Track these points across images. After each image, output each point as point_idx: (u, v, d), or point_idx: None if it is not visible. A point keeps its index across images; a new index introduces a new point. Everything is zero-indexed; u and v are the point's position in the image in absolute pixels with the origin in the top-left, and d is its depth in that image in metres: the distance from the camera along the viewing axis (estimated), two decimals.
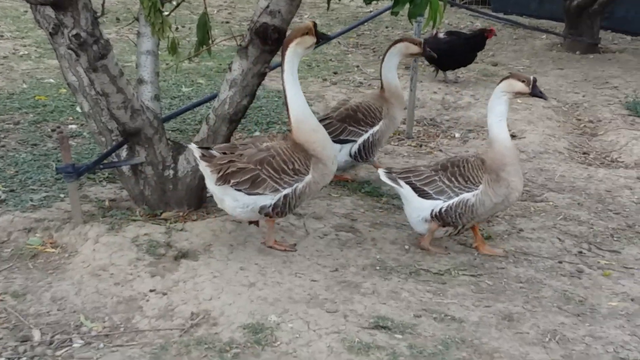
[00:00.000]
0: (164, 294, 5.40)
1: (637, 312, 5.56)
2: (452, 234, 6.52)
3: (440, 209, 6.17)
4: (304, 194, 5.96)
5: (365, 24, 14.02)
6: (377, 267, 5.94)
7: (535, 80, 6.18)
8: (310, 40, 5.94)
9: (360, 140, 7.42)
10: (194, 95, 9.51)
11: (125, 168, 6.47)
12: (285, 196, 5.87)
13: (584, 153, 9.03)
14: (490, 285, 5.85)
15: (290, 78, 5.92)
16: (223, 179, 5.78)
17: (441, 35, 11.19)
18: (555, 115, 10.03)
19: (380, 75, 7.59)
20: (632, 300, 5.79)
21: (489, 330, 5.19)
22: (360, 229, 6.54)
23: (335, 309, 5.29)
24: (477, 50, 11.14)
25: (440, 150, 8.71)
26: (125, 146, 6.39)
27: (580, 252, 6.52)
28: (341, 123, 7.40)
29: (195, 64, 10.93)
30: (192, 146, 5.81)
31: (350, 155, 7.43)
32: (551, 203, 7.50)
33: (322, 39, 6.07)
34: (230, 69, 6.23)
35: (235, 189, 5.80)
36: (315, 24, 5.96)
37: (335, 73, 11.17)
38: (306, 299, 5.39)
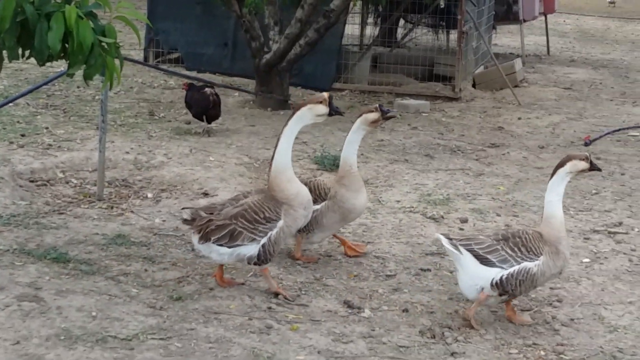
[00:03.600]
0: None
1: None
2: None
3: (502, 277, 6.39)
4: (280, 238, 6.69)
5: (57, 84, 13.70)
6: (62, 337, 5.72)
7: (590, 156, 6.72)
8: (323, 109, 6.72)
9: None
10: None
11: None
12: (263, 246, 6.61)
13: None
14: (180, 348, 5.78)
15: (288, 133, 6.71)
16: (204, 238, 6.58)
17: (207, 91, 11.71)
18: (247, 172, 10.18)
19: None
20: (319, 352, 5.93)
21: None
22: (45, 297, 6.29)
23: None
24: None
25: (132, 212, 8.59)
26: None
27: (270, 308, 6.60)
28: None
29: None
30: (183, 210, 6.79)
31: None
32: None
33: (334, 112, 6.77)
34: None
35: (217, 245, 6.56)
36: (331, 97, 6.76)
37: (22, 135, 10.77)
38: None
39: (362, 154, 11.25)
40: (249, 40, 13.65)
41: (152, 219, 8.43)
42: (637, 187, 10.46)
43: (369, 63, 16.54)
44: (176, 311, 6.38)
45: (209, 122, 11.86)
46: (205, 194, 9.23)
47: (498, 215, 9.23)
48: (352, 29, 17.91)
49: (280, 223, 6.66)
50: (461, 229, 8.72)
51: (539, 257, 6.51)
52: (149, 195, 9.18)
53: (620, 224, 9.08)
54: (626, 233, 8.82)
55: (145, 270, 7.15)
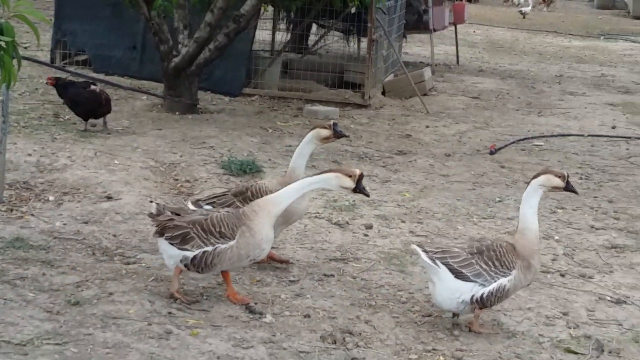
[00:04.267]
0: None
1: None
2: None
3: (482, 295, 6.50)
4: (224, 254, 6.56)
5: None
6: None
7: (568, 176, 6.73)
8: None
9: None
10: None
11: None
12: (204, 252, 6.55)
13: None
14: (76, 353, 5.69)
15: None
16: (159, 232, 6.64)
17: (96, 88, 11.77)
18: (152, 176, 10.07)
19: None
20: (218, 358, 5.90)
21: None
22: None
23: None
24: None
25: (32, 215, 8.42)
26: None
27: (170, 313, 6.53)
28: (233, 197, 7.46)
29: None
30: (152, 204, 6.76)
31: None
32: (144, 264, 7.48)
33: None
34: None
35: (169, 243, 6.60)
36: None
37: None
38: None
39: (269, 159, 11.25)
40: (158, 44, 13.52)
41: (52, 222, 8.28)
42: None
43: (279, 69, 16.52)
44: (73, 316, 6.27)
45: (97, 118, 11.92)
46: (109, 197, 9.11)
47: (403, 221, 9.29)
48: (263, 34, 17.91)
49: (232, 243, 6.57)
50: (366, 235, 8.75)
51: (511, 271, 6.58)
52: (51, 198, 9.01)
53: None
54: None
55: (43, 274, 7.01)
